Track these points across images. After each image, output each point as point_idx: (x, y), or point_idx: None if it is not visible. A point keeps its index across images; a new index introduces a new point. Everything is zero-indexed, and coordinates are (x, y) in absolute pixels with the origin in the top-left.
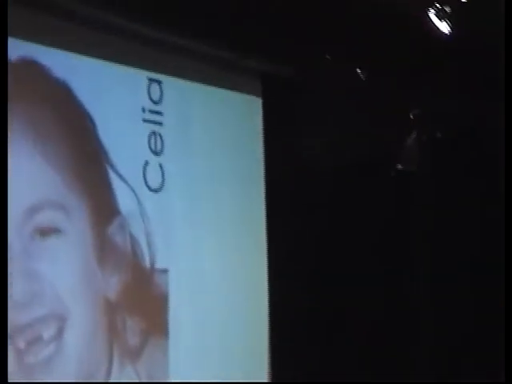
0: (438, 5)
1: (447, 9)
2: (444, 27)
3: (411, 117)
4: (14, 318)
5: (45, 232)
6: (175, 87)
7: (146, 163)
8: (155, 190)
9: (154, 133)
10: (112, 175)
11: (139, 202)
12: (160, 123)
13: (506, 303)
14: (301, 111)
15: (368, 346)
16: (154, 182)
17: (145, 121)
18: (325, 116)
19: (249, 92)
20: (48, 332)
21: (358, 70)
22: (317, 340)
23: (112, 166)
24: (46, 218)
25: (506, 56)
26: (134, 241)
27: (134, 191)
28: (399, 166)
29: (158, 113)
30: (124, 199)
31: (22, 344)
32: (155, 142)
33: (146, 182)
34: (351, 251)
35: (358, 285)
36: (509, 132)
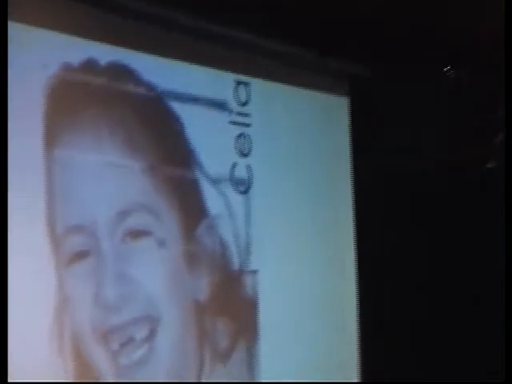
0: None
1: None
2: None
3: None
4: (108, 320)
5: (136, 235)
6: (262, 89)
7: (234, 165)
8: (243, 192)
9: (241, 134)
10: (200, 177)
11: (227, 204)
12: (247, 125)
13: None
14: (388, 111)
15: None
16: (242, 183)
17: (232, 123)
18: (413, 116)
19: (335, 92)
20: (140, 334)
21: (446, 69)
22: (409, 344)
23: (200, 168)
24: (136, 221)
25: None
26: (222, 242)
27: (222, 193)
28: (489, 166)
29: (245, 114)
30: (212, 201)
31: (115, 346)
32: (243, 144)
33: (233, 184)
34: (439, 254)
35: (447, 287)
36: None
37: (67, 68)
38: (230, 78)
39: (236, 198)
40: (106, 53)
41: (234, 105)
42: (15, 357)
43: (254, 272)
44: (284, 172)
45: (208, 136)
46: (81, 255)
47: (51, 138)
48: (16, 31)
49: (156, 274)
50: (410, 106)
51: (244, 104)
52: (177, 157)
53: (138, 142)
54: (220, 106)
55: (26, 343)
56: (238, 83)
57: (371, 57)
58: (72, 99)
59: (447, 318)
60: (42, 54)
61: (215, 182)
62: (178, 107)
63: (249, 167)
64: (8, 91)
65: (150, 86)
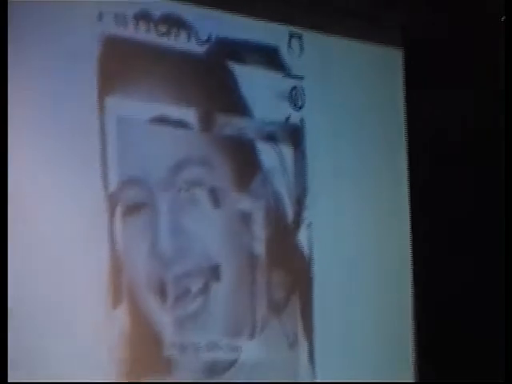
0: None
1: None
2: None
3: None
4: (163, 272)
5: (190, 187)
6: (315, 41)
7: (288, 118)
8: (297, 145)
9: (294, 87)
10: (253, 131)
11: (281, 157)
12: (301, 77)
13: None
14: (443, 66)
15: None
16: (296, 137)
17: (285, 76)
18: (468, 71)
19: (389, 44)
20: (196, 286)
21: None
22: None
23: (254, 122)
24: (191, 174)
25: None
26: (276, 196)
27: (275, 146)
28: None
29: (299, 67)
30: (266, 155)
31: (171, 298)
32: (296, 97)
33: (287, 137)
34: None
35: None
36: None
37: (121, 19)
38: (283, 30)
39: (290, 152)
40: (160, 5)
41: (287, 58)
42: (69, 311)
43: (309, 224)
44: (337, 125)
45: (261, 89)
46: (135, 208)
47: (104, 86)
48: None
49: (211, 227)
50: (467, 61)
51: (297, 57)
52: (230, 110)
53: (192, 96)
54: (273, 59)
55: (80, 297)
56: (292, 36)
57: (427, 7)
58: (125, 49)
59: None
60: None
61: (269, 135)
62: (231, 61)
63: (302, 120)
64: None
65: (203, 39)
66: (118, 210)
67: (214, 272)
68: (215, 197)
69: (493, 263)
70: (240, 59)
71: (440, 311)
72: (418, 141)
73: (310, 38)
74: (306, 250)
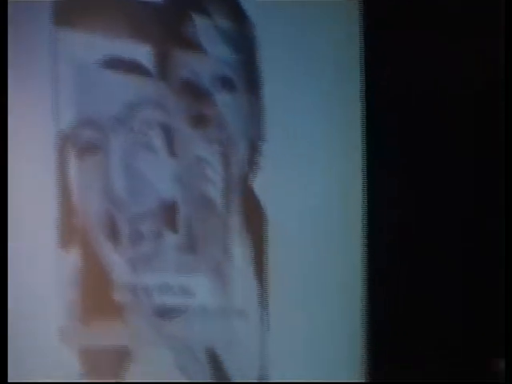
0: None
1: None
2: None
3: None
4: (116, 214)
5: (145, 129)
6: None
7: (245, 63)
8: (253, 90)
9: (251, 34)
10: (210, 74)
11: (236, 102)
12: (257, 24)
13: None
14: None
15: None
16: (252, 81)
17: (243, 22)
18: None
19: None
20: (149, 229)
21: None
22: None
23: (210, 65)
24: (146, 115)
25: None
26: (231, 140)
27: (231, 90)
28: None
29: (256, 14)
30: (221, 99)
31: (123, 240)
32: (253, 43)
33: (243, 82)
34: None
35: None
36: None
37: None
38: None
39: (245, 96)
40: None
41: (245, 5)
42: (17, 251)
43: (264, 170)
44: (294, 71)
45: (218, 34)
46: (88, 149)
47: (58, 21)
48: None
49: (165, 171)
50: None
51: (255, 5)
52: (186, 52)
53: (147, 36)
54: (231, 6)
55: (29, 237)
56: None
57: None
58: None
59: None
60: None
61: (224, 79)
62: (190, 8)
63: (259, 66)
64: None
65: None
66: (71, 151)
67: (168, 215)
68: (169, 140)
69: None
70: (199, 6)
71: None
72: (373, 90)
73: None
74: (260, 195)
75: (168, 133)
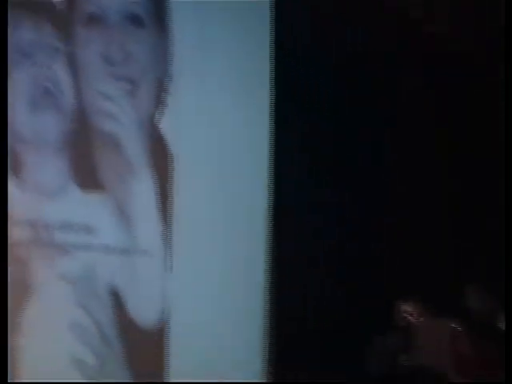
0: None
1: None
2: None
3: None
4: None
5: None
6: None
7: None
8: (162, 28)
9: None
10: (118, 11)
11: (144, 39)
12: None
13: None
14: None
15: None
16: (161, 19)
17: None
18: None
19: None
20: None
21: None
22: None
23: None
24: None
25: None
26: (137, 78)
27: (140, 27)
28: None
29: None
30: (130, 35)
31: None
32: None
33: (152, 20)
34: None
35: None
36: None
37: None
38: None
39: (153, 34)
40: None
41: None
42: None
43: (172, 110)
44: (205, 12)
45: None
46: None
47: None
48: None
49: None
50: None
51: None
52: None
53: None
54: None
55: None
56: None
57: None
58: None
59: None
60: None
61: (133, 16)
62: None
63: (168, 3)
64: None
65: None
66: None
67: (69, 151)
68: (74, 74)
69: None
70: None
71: None
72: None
73: None
74: (167, 134)
75: (73, 67)
